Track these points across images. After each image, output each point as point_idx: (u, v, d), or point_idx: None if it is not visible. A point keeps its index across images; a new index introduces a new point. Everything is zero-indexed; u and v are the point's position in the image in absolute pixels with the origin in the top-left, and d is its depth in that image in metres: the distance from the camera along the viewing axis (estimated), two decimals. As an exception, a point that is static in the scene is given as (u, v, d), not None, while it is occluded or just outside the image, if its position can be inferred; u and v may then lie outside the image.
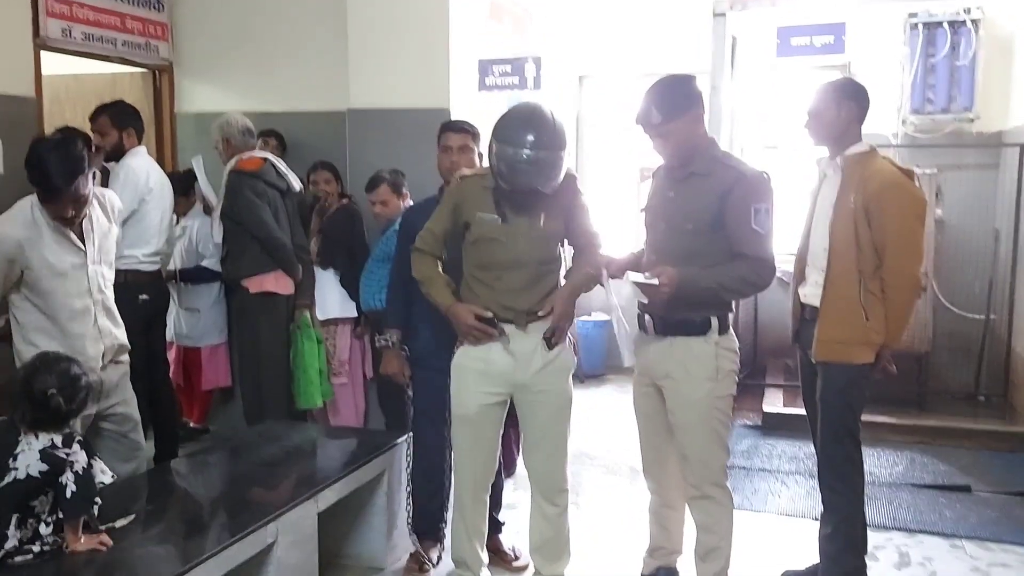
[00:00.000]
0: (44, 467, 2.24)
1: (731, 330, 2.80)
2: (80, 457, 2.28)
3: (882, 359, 2.95)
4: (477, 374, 2.81)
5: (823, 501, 3.15)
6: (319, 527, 2.81)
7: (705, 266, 2.66)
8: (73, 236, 2.87)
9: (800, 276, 3.17)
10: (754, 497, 4.17)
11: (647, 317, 2.81)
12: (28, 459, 2.23)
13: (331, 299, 4.36)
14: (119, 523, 2.42)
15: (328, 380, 4.30)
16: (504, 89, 5.40)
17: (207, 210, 4.53)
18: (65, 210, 2.78)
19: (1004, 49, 5.66)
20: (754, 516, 3.94)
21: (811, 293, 3.06)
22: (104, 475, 2.35)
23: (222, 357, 4.77)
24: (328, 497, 2.86)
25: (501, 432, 2.96)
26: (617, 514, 3.96)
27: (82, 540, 2.27)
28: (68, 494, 2.23)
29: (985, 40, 5.57)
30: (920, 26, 5.65)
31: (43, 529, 2.26)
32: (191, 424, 4.91)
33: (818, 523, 3.19)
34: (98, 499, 2.32)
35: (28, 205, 2.86)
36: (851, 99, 2.97)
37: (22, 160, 3.80)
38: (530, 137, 2.58)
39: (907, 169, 2.98)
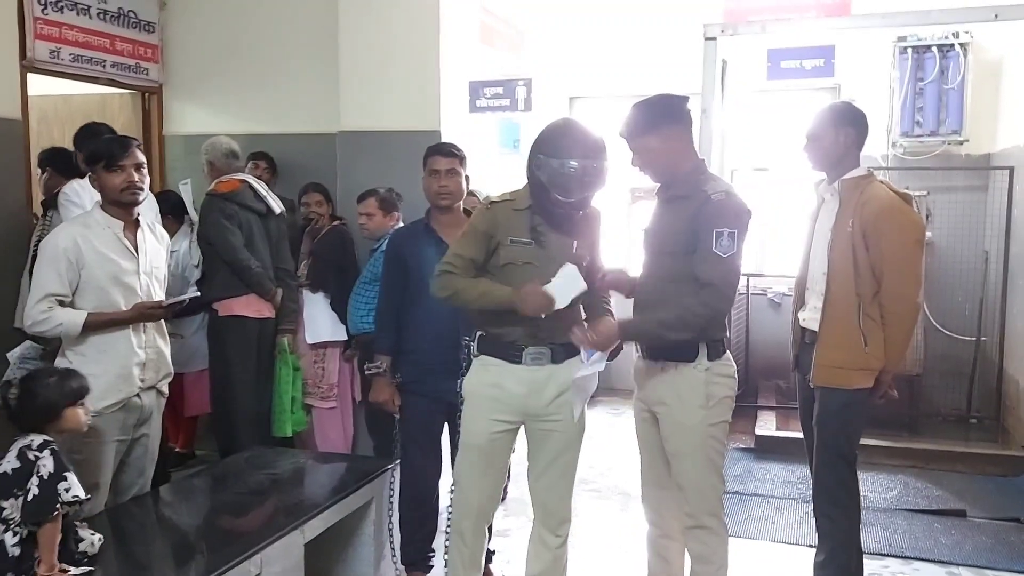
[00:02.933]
0: (17, 464, 2.25)
1: (727, 354, 2.73)
2: (47, 463, 2.25)
3: (883, 384, 2.93)
4: (490, 401, 2.69)
5: (817, 527, 3.12)
6: (305, 556, 2.76)
7: (685, 291, 2.59)
8: (127, 242, 2.93)
9: (800, 300, 3.15)
10: (748, 524, 4.12)
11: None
12: (10, 456, 2.27)
13: (321, 322, 4.32)
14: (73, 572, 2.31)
15: (302, 408, 4.27)
16: (495, 111, 5.40)
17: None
18: (131, 175, 2.87)
19: (992, 73, 5.70)
20: (749, 544, 3.90)
21: (810, 317, 3.04)
22: (78, 489, 2.27)
23: (206, 383, 4.71)
24: (315, 527, 2.80)
25: (509, 462, 2.86)
26: (610, 540, 3.91)
27: (54, 569, 2.22)
28: (30, 497, 2.22)
29: (973, 64, 5.61)
30: (909, 50, 5.70)
31: (8, 538, 2.22)
32: (176, 449, 4.85)
33: (811, 550, 3.15)
34: (75, 509, 2.28)
35: (84, 214, 3.01)
36: (851, 125, 2.97)
37: (8, 181, 3.77)
38: (576, 147, 2.55)
39: (904, 193, 2.98)
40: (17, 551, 2.22)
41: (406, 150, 4.18)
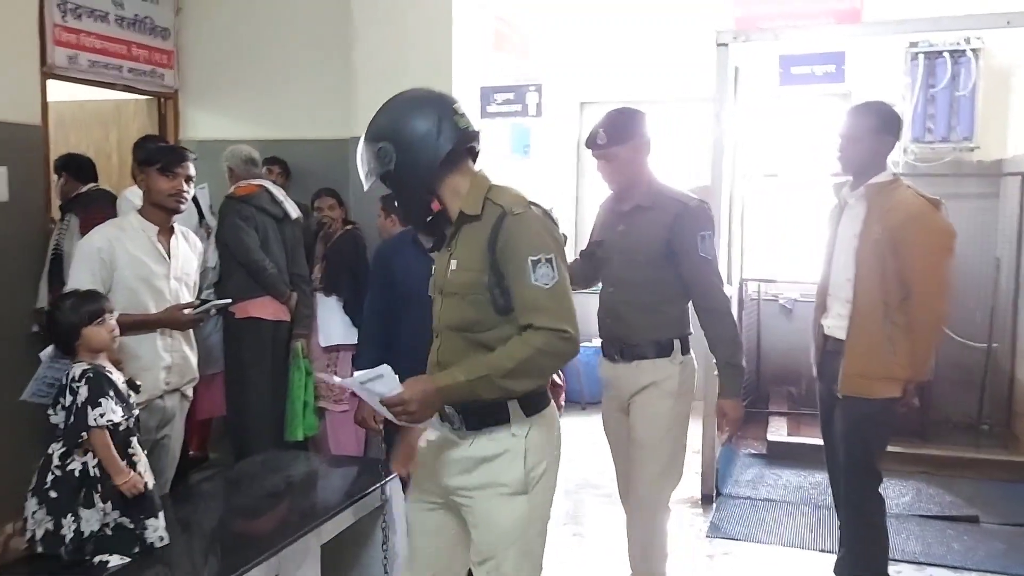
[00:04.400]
0: (70, 398, 2.39)
1: (691, 352, 2.88)
2: (83, 391, 2.38)
3: (907, 393, 2.90)
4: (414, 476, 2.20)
5: (842, 535, 3.11)
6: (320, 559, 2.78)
7: (664, 297, 2.78)
8: (160, 247, 3.00)
9: (822, 307, 3.11)
10: (759, 528, 4.12)
11: (607, 344, 2.91)
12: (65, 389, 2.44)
13: (334, 325, 4.35)
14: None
15: (314, 413, 4.30)
16: (506, 116, 5.43)
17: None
18: (180, 184, 2.98)
19: (1004, 79, 5.69)
20: (760, 548, 3.90)
21: (834, 325, 3.01)
22: (112, 415, 2.39)
23: (219, 386, 4.75)
24: (330, 529, 2.82)
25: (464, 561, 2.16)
26: (620, 543, 3.92)
27: (125, 475, 2.37)
28: (63, 425, 2.39)
29: (985, 70, 5.60)
30: (921, 56, 5.69)
31: (90, 459, 2.37)
32: (190, 452, 4.87)
33: (823, 555, 3.16)
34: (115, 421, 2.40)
35: (121, 217, 3.13)
36: (889, 133, 2.94)
37: (27, 186, 3.81)
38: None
39: (933, 199, 2.92)
40: (97, 471, 2.36)
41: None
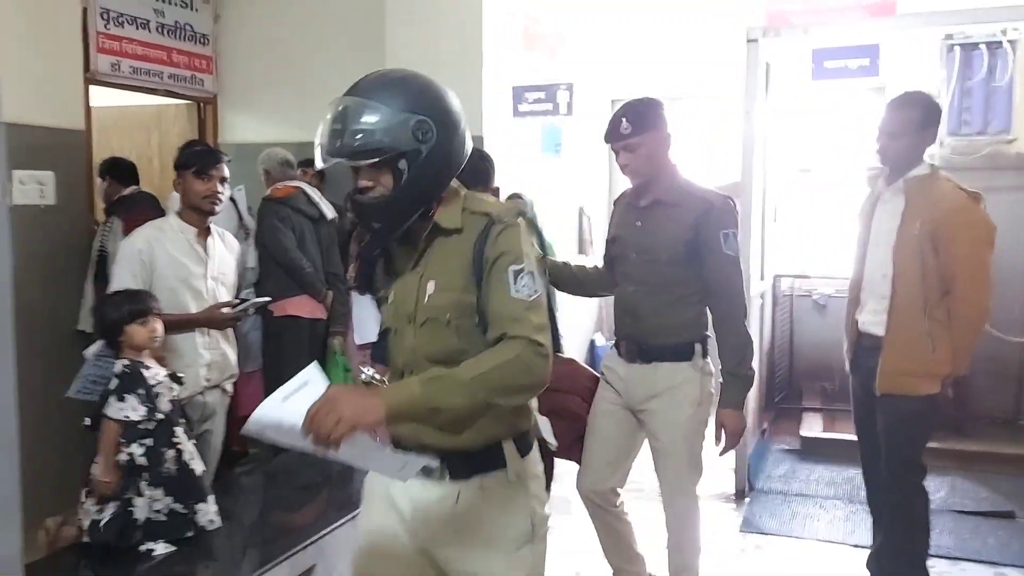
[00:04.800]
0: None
1: (708, 356, 2.79)
2: (114, 383, 2.56)
3: (944, 387, 2.87)
4: (369, 499, 1.87)
5: (875, 529, 3.11)
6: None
7: (684, 297, 2.68)
8: (199, 248, 3.10)
9: (856, 302, 3.07)
10: (792, 522, 4.13)
11: (624, 343, 2.80)
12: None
13: (369, 323, 4.42)
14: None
15: None
16: (537, 115, 5.46)
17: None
18: (215, 186, 3.07)
19: (1041, 70, 5.60)
20: (793, 542, 3.91)
21: (869, 320, 2.97)
22: (127, 412, 2.52)
23: (258, 383, 4.84)
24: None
25: None
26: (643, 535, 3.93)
27: (105, 475, 2.49)
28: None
29: (1022, 62, 5.52)
30: (957, 48, 5.61)
31: (135, 448, 2.50)
32: (230, 448, 4.98)
33: (856, 549, 3.15)
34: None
35: (160, 219, 3.22)
36: (932, 126, 2.89)
37: (73, 189, 3.94)
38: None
39: (974, 192, 2.86)
40: (144, 460, 2.50)
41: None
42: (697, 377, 2.74)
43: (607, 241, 2.92)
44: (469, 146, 1.76)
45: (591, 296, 3.26)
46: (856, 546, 3.77)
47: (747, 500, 4.40)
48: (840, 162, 6.20)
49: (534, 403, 2.24)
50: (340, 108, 1.67)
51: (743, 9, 5.30)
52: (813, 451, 5.14)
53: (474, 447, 1.68)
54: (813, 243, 6.32)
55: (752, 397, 4.79)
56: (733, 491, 4.47)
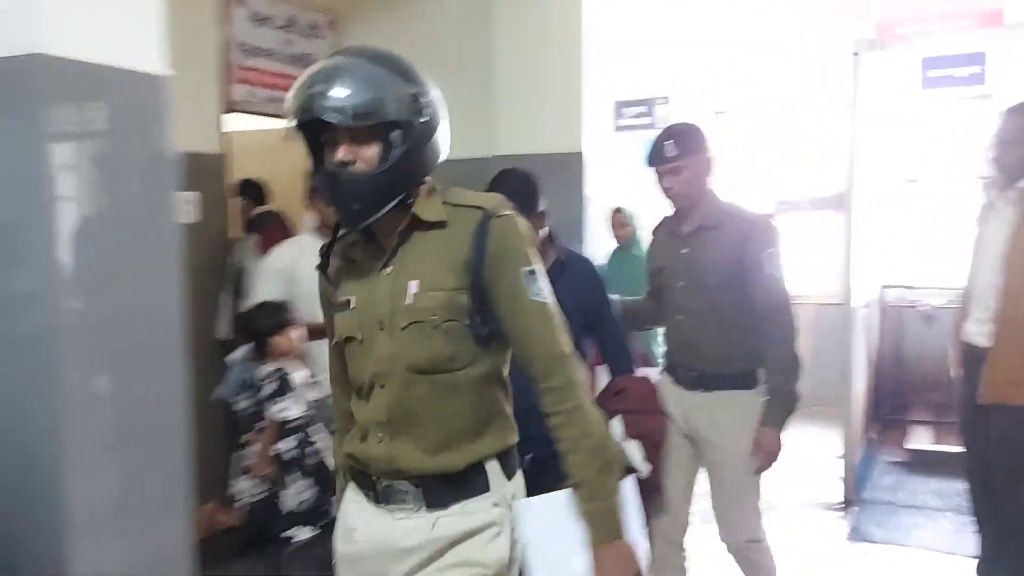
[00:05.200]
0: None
1: None
2: (268, 389, 2.82)
3: None
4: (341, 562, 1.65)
5: (995, 543, 3.10)
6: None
7: (738, 321, 2.61)
8: None
9: (966, 311, 3.05)
10: (898, 532, 4.12)
11: (681, 370, 2.74)
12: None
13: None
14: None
15: None
16: (637, 129, 5.61)
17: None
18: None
19: None
20: (900, 551, 3.91)
21: (973, 331, 2.95)
22: (289, 412, 2.80)
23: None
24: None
25: None
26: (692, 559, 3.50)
27: (262, 470, 2.77)
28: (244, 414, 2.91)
29: None
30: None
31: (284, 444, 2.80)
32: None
33: (965, 559, 3.14)
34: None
35: (301, 236, 3.46)
36: None
37: (212, 209, 4.31)
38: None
39: None
40: (294, 455, 2.78)
41: (550, 172, 4.40)
42: (759, 405, 2.63)
43: (651, 272, 2.88)
44: (448, 143, 1.61)
45: (642, 329, 3.24)
46: (965, 556, 3.74)
47: (855, 509, 4.41)
48: (947, 172, 6.09)
49: (619, 427, 2.37)
50: (333, 65, 1.47)
51: (850, 19, 5.31)
52: (921, 463, 5.07)
53: (454, 470, 1.50)
54: (921, 254, 6.22)
55: (858, 406, 4.79)
56: (840, 500, 4.49)
